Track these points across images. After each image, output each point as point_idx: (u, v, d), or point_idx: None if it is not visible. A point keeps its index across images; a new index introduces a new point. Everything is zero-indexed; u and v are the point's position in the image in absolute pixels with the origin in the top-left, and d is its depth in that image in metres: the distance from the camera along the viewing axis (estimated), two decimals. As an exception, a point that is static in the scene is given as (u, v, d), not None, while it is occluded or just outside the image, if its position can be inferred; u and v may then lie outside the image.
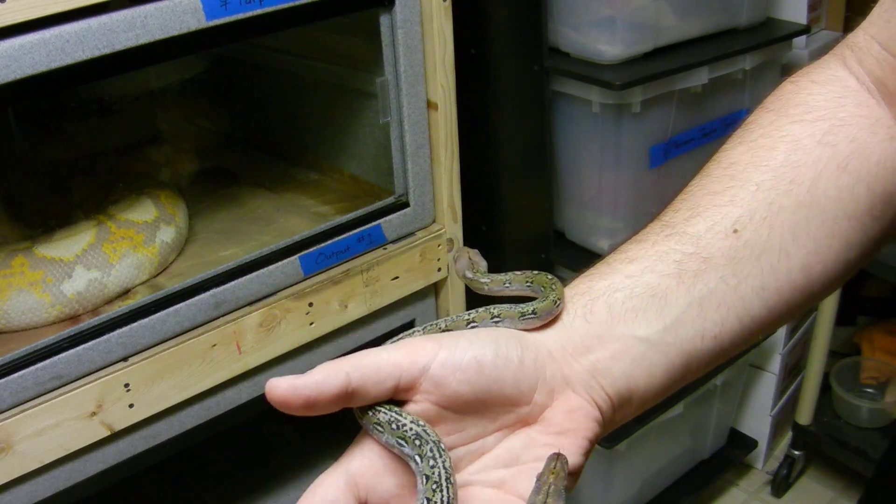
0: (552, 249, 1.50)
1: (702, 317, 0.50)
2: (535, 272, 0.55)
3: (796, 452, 1.93)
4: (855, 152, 0.51)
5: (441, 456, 0.44)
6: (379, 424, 0.46)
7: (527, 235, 1.54)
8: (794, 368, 2.01)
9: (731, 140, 0.55)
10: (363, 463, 0.46)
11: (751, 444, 1.98)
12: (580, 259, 1.51)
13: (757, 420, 1.98)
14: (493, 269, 0.58)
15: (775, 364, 1.91)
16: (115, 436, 0.95)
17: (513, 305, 0.50)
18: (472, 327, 0.51)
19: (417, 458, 0.44)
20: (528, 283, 0.55)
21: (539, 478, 0.45)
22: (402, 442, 0.45)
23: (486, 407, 0.47)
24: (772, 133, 0.53)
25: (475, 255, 0.59)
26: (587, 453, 0.48)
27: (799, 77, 0.56)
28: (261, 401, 1.07)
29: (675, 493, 1.83)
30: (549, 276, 0.53)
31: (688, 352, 0.50)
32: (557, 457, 0.45)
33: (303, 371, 0.43)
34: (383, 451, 0.46)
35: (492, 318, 0.51)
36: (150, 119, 1.39)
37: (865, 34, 0.54)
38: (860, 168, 0.50)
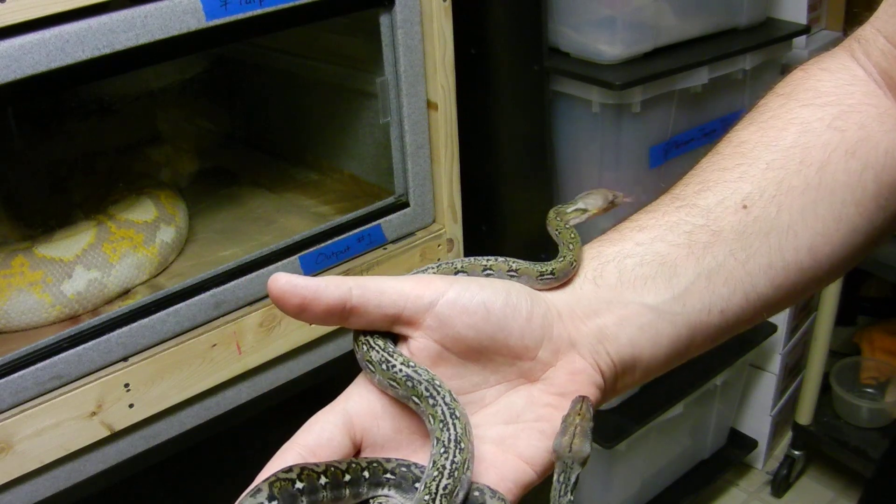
0: (552, 250, 1.50)
1: (709, 290, 0.50)
2: (567, 226, 0.55)
3: (796, 452, 1.93)
4: (863, 139, 0.51)
5: (439, 392, 0.44)
6: (371, 363, 0.45)
7: (527, 235, 1.54)
8: (794, 368, 2.01)
9: (742, 121, 0.56)
10: (361, 404, 0.46)
11: (751, 444, 1.98)
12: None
13: (757, 420, 1.98)
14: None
15: (775, 364, 1.91)
16: (115, 436, 0.94)
17: (532, 263, 0.50)
18: (488, 275, 0.51)
19: (415, 399, 0.44)
20: (557, 232, 0.55)
21: (565, 419, 0.46)
22: (394, 384, 0.44)
23: (489, 356, 0.47)
24: (782, 115, 0.54)
25: (599, 196, 0.58)
26: None
27: (809, 65, 0.57)
28: (261, 401, 1.08)
29: (675, 493, 1.83)
30: (573, 234, 0.53)
31: (694, 324, 0.50)
32: (583, 399, 0.46)
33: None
34: (382, 394, 0.46)
35: (508, 271, 0.50)
36: (150, 119, 1.39)
37: (872, 27, 0.55)
38: (868, 155, 0.51)
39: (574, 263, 0.51)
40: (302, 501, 0.40)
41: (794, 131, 0.52)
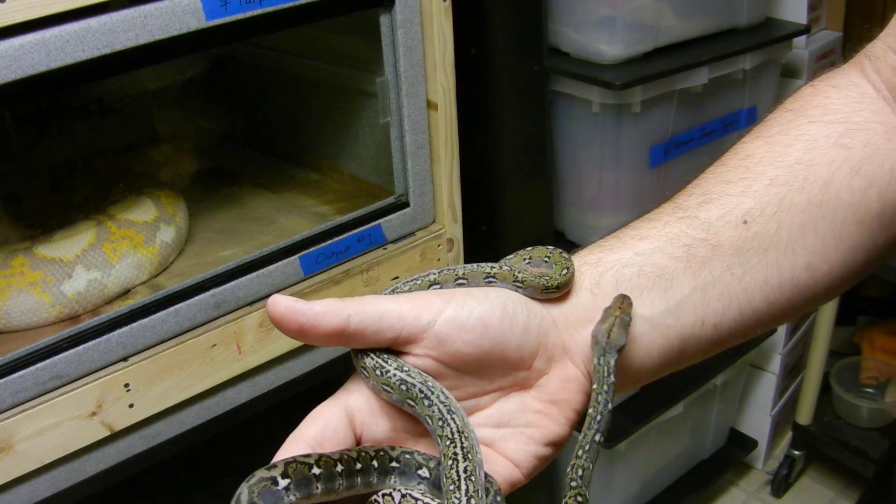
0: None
1: (704, 304, 0.50)
2: (531, 248, 0.54)
3: (796, 452, 1.93)
4: (869, 157, 0.51)
5: (433, 392, 0.45)
6: (365, 369, 0.46)
7: (527, 236, 1.54)
8: (794, 368, 2.01)
9: (749, 134, 0.56)
10: (361, 400, 0.46)
11: (751, 444, 1.98)
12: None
13: (757, 420, 1.98)
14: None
15: (775, 364, 1.91)
16: (115, 436, 0.95)
17: (537, 276, 0.50)
18: (490, 283, 0.51)
19: (410, 401, 0.45)
20: (528, 260, 0.54)
21: (606, 310, 0.48)
22: (388, 388, 0.45)
23: (486, 368, 0.47)
24: (789, 131, 0.54)
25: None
26: (573, 425, 0.49)
27: (819, 81, 0.57)
28: (261, 401, 1.08)
29: (675, 493, 1.83)
30: (551, 248, 0.53)
31: (686, 336, 0.51)
32: (624, 297, 0.48)
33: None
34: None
35: (514, 282, 0.50)
36: (150, 119, 1.39)
37: (882, 44, 0.55)
38: (873, 173, 0.51)
39: (573, 275, 0.51)
40: (318, 488, 0.41)
41: (800, 147, 0.52)
